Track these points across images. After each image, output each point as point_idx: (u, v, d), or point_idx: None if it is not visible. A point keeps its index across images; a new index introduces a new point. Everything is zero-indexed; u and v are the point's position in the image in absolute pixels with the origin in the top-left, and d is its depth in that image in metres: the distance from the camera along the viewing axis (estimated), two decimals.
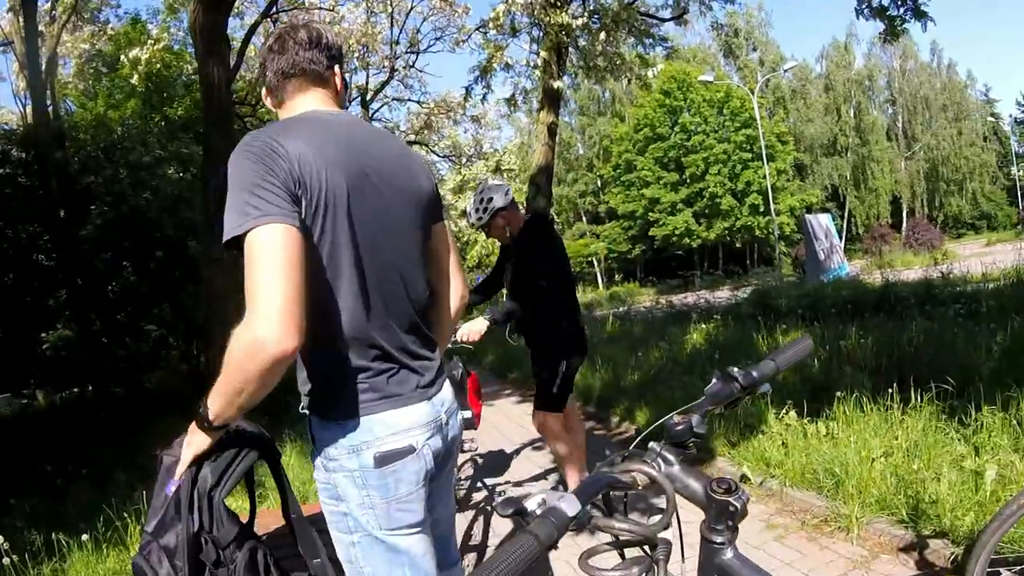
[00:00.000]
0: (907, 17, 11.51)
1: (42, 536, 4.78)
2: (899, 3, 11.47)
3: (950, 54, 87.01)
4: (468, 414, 4.57)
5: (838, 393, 5.00)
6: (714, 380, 1.43)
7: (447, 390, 1.96)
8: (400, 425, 1.75)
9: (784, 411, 5.21)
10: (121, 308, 12.00)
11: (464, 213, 36.04)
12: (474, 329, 4.26)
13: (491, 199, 4.43)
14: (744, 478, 4.71)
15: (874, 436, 4.43)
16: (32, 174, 11.58)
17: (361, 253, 1.71)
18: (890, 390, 4.81)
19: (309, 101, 1.90)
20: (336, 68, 1.95)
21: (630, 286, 46.79)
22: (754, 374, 1.41)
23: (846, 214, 54.02)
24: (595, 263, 52.80)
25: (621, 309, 24.02)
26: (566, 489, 4.58)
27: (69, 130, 13.72)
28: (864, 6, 11.77)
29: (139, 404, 10.69)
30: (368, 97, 29.92)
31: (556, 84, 14.70)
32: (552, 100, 15.50)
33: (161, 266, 11.63)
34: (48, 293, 11.61)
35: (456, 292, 2.15)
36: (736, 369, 1.42)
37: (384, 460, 1.71)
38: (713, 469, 5.15)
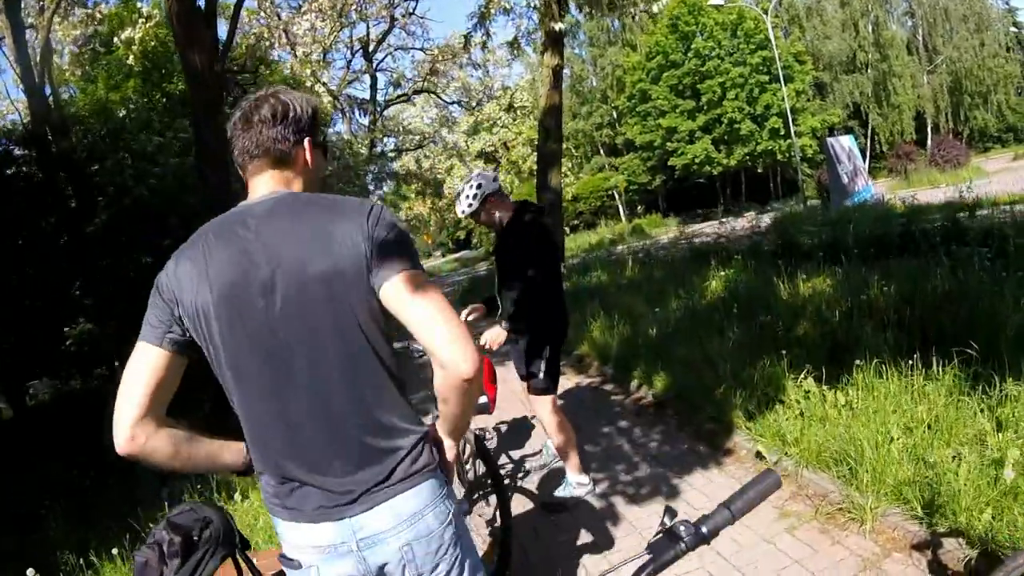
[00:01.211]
0: None
1: (74, 556, 4.81)
2: None
3: None
4: (483, 399, 4.46)
5: (857, 361, 4.82)
6: (657, 533, 1.25)
7: (383, 516, 1.70)
8: (292, 539, 1.74)
9: (803, 376, 5.07)
10: (134, 301, 11.97)
11: (482, 155, 35.90)
12: (493, 339, 4.29)
13: (480, 185, 4.42)
14: (759, 455, 4.60)
15: (893, 409, 4.29)
16: (39, 168, 11.50)
17: (254, 370, 1.69)
18: (912, 356, 4.65)
19: (264, 184, 1.82)
20: (305, 143, 1.84)
21: (652, 218, 46.36)
22: (704, 530, 1.22)
23: (869, 132, 52.87)
24: (616, 196, 52.19)
25: (643, 243, 23.82)
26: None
27: (73, 117, 13.61)
28: None
29: None
30: (371, 49, 29.59)
31: (557, 26, 14.37)
32: (555, 42, 15.17)
33: (168, 255, 11.54)
34: (67, 287, 11.63)
35: (437, 361, 1.66)
36: (683, 526, 1.23)
37: (282, 559, 1.78)
38: (730, 444, 5.05)
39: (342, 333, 1.66)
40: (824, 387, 4.86)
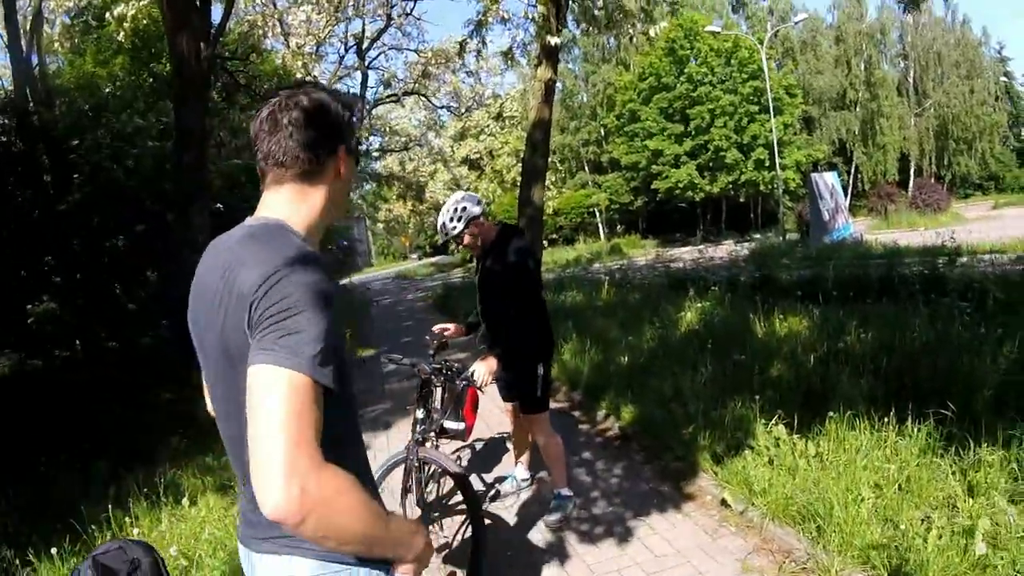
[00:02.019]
0: None
1: (11, 551, 4.59)
2: None
3: (965, 9, 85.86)
4: (460, 426, 4.31)
5: (831, 413, 4.74)
6: None
7: (267, 566, 1.57)
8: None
9: (774, 422, 4.98)
10: (101, 283, 11.70)
11: (466, 161, 35.84)
12: (489, 371, 4.17)
13: (464, 208, 4.37)
14: (725, 503, 4.48)
15: (864, 465, 4.20)
16: (19, 138, 11.23)
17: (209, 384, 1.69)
18: (887, 409, 4.61)
19: (274, 200, 1.64)
20: (340, 151, 1.65)
21: (631, 238, 46.59)
22: None
23: (852, 170, 53.34)
24: (596, 214, 52.23)
25: (621, 264, 23.81)
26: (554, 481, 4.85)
27: (58, 89, 13.35)
28: None
29: (129, 371, 10.48)
30: (364, 46, 29.40)
31: (553, 40, 14.25)
32: (550, 56, 15.05)
33: (141, 240, 11.35)
34: (36, 264, 11.36)
35: (258, 495, 1.28)
36: None
37: None
38: (694, 488, 4.93)
39: (238, 394, 1.42)
40: (795, 435, 4.77)
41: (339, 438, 1.50)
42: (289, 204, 1.62)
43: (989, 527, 3.39)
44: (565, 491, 4.76)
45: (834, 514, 3.77)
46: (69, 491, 5.77)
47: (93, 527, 4.67)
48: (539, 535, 4.63)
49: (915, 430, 4.42)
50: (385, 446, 6.72)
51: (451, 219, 4.37)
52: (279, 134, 1.58)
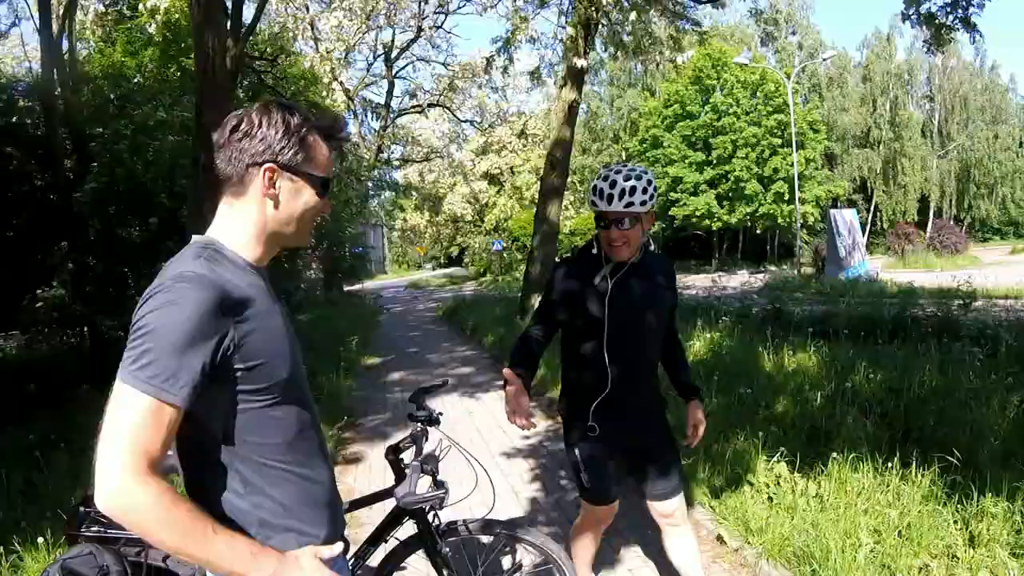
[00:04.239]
0: (955, 26, 10.97)
1: None
2: (948, 10, 10.92)
3: (994, 55, 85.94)
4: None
5: (834, 454, 4.67)
6: None
7: None
8: None
9: (776, 459, 4.90)
10: (113, 272, 11.73)
11: (486, 176, 35.65)
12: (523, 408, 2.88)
13: (651, 182, 2.91)
14: (721, 539, 4.41)
15: (865, 509, 4.13)
16: (44, 122, 11.30)
17: None
18: (891, 452, 4.55)
19: (214, 217, 1.71)
20: (265, 168, 1.62)
21: None
22: None
23: (872, 208, 53.32)
24: None
25: None
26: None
27: (85, 76, 13.42)
28: (912, 12, 11.22)
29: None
30: (393, 55, 29.61)
31: (580, 63, 14.34)
32: (575, 78, 15.15)
33: (154, 233, 11.38)
34: (50, 249, 11.42)
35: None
36: None
37: None
38: (690, 521, 4.83)
39: None
40: (796, 474, 4.70)
41: (285, 444, 1.63)
42: (221, 219, 1.66)
43: None
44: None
45: (830, 558, 3.69)
46: (60, 480, 5.73)
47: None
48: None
49: (919, 476, 4.35)
50: (380, 458, 6.61)
51: (644, 189, 2.82)
52: (222, 148, 1.61)
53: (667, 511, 3.22)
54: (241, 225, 1.64)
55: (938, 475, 4.35)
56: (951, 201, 54.84)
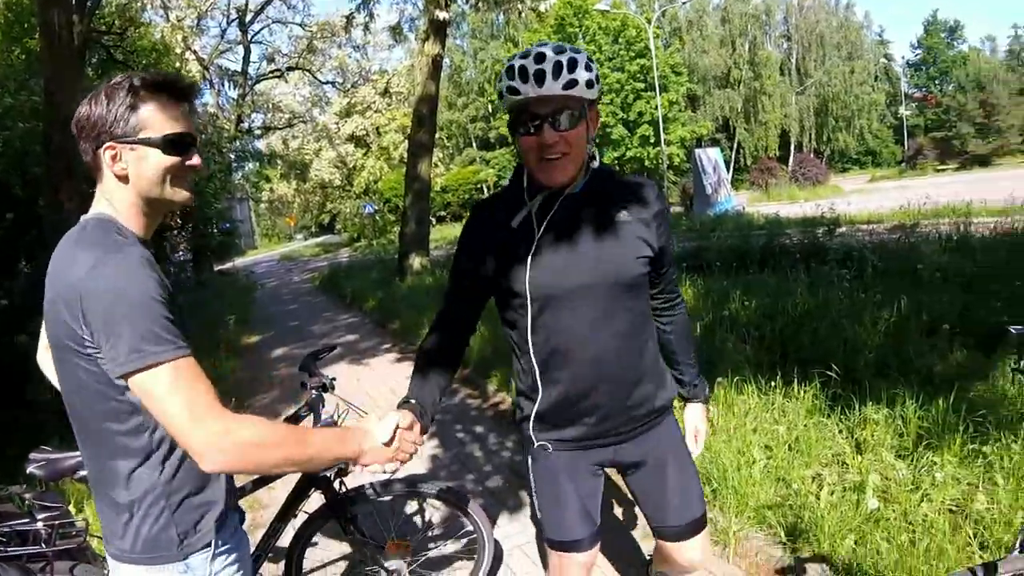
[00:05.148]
0: None
1: None
2: None
3: None
4: None
5: (719, 379, 4.76)
6: None
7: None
8: None
9: None
10: None
11: (352, 139, 34.81)
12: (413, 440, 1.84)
13: (595, 72, 1.88)
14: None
15: (754, 428, 4.23)
16: None
17: None
18: (773, 373, 4.72)
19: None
20: (105, 147, 1.57)
21: None
22: None
23: (735, 145, 55.03)
24: (484, 190, 52.17)
25: None
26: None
27: None
28: None
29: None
30: (248, 19, 28.44)
31: (442, 15, 14.10)
32: (438, 31, 14.91)
33: (11, 229, 10.60)
34: None
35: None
36: None
37: None
38: None
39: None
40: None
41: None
42: (98, 201, 1.62)
43: (879, 482, 3.46)
44: None
45: (728, 477, 3.75)
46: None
47: None
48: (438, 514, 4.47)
49: (801, 392, 4.48)
50: None
51: (587, 65, 1.84)
52: (80, 142, 1.59)
53: (683, 558, 2.23)
54: (117, 202, 1.60)
55: (820, 390, 4.50)
56: (811, 135, 57.26)
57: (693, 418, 2.38)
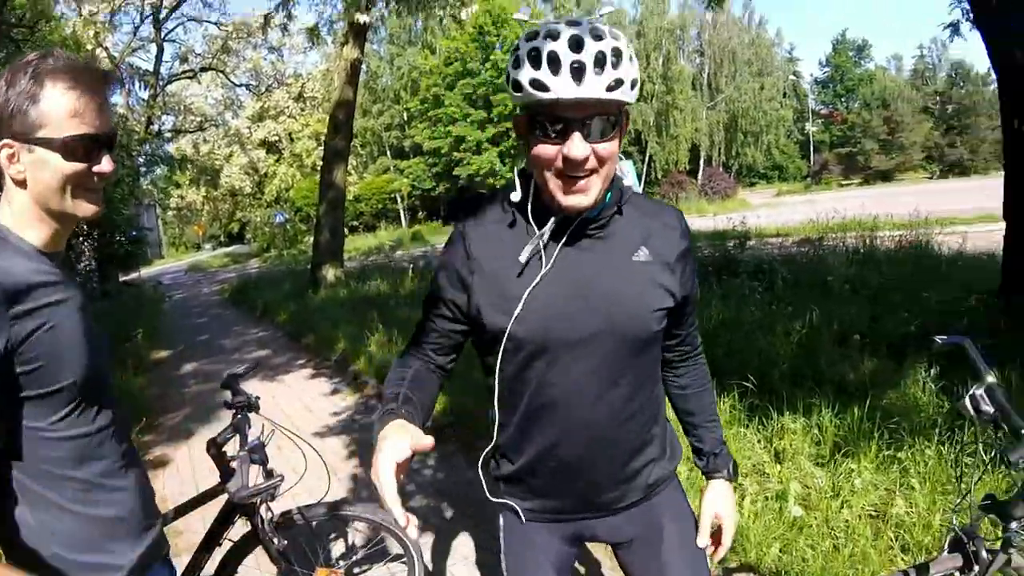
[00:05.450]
0: None
1: None
2: None
3: (762, 10, 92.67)
4: None
5: None
6: None
7: None
8: None
9: None
10: None
11: (264, 144, 34.09)
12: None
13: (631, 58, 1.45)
14: None
15: None
16: None
17: None
18: None
19: None
20: (3, 144, 1.38)
21: (433, 225, 46.57)
22: None
23: (646, 158, 55.94)
24: (398, 200, 51.82)
25: (424, 250, 23.90)
26: None
27: None
28: None
29: None
30: (162, 16, 27.58)
31: (363, 18, 13.93)
32: (357, 35, 14.80)
33: None
34: None
35: None
36: None
37: None
38: None
39: None
40: None
41: (79, 457, 1.43)
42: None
43: (800, 490, 3.56)
44: None
45: None
46: None
47: None
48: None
49: (719, 403, 4.54)
50: (187, 457, 6.14)
51: (631, 57, 1.43)
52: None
53: None
54: (18, 209, 1.41)
55: (737, 400, 4.59)
56: (720, 149, 58.67)
57: (715, 501, 1.82)
